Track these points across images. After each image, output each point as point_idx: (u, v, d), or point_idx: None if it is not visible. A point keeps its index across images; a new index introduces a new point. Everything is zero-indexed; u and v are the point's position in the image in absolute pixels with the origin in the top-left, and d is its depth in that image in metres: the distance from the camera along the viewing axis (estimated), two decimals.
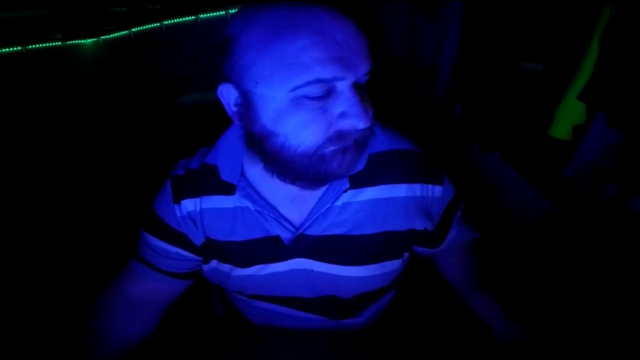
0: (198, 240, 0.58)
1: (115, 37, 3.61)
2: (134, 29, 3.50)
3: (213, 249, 0.57)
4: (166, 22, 3.34)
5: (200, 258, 0.60)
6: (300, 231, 0.53)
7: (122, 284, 0.61)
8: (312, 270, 0.55)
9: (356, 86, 0.43)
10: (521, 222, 1.05)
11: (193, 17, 3.26)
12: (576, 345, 0.63)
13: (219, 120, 0.56)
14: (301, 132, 0.42)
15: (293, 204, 0.54)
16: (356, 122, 0.42)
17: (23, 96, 3.57)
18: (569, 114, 0.92)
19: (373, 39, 0.45)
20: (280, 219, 0.53)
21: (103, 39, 3.64)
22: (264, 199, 0.54)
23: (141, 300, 0.60)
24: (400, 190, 0.55)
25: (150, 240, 0.59)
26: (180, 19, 3.30)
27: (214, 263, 0.58)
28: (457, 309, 0.65)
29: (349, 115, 0.42)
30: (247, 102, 0.44)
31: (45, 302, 1.11)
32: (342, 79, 0.41)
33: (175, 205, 0.57)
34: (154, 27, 3.41)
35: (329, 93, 0.42)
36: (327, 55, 0.40)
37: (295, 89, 0.40)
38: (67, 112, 3.53)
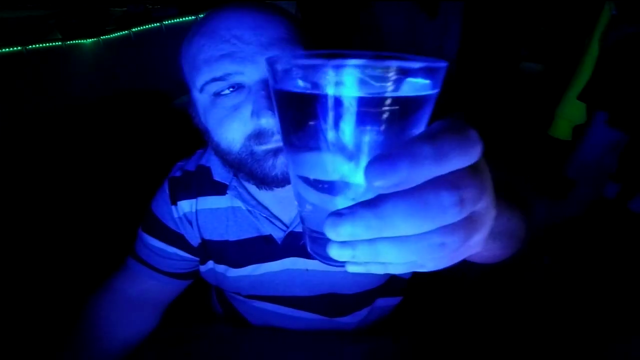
0: (194, 241, 0.58)
1: (115, 37, 3.61)
2: (134, 29, 3.50)
3: (208, 249, 0.58)
4: (166, 22, 3.34)
5: (197, 258, 0.60)
6: (290, 229, 0.53)
7: (121, 284, 0.61)
8: (306, 270, 0.55)
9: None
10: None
11: (193, 17, 3.26)
12: (576, 344, 0.63)
13: None
14: (218, 129, 0.45)
15: (282, 204, 0.54)
16: (256, 119, 0.41)
17: (23, 96, 3.57)
18: (569, 114, 0.92)
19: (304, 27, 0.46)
20: (272, 218, 0.54)
21: (103, 39, 3.64)
22: (255, 199, 0.54)
23: (139, 300, 0.61)
24: None
25: (148, 241, 0.59)
26: (180, 19, 3.29)
27: (210, 264, 0.59)
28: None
29: (253, 111, 0.42)
30: (192, 104, 0.49)
31: (43, 301, 1.11)
32: (241, 73, 0.41)
33: (173, 206, 0.58)
34: (154, 27, 3.41)
35: (238, 90, 0.43)
36: (213, 54, 0.42)
37: (202, 89, 0.44)
38: (66, 112, 3.53)
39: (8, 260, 1.40)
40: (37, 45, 3.54)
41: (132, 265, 0.61)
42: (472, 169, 0.18)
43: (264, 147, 0.43)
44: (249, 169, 0.45)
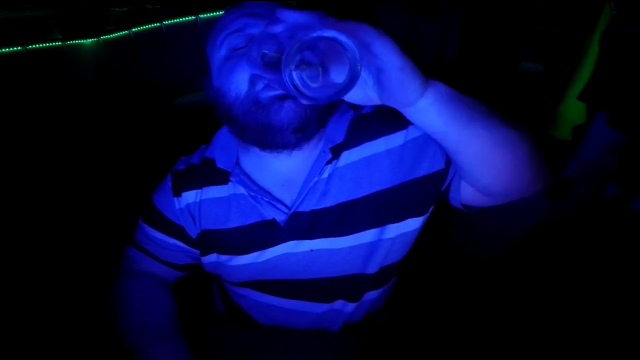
0: (193, 232, 0.60)
1: (115, 37, 3.61)
2: (134, 29, 3.50)
3: (210, 240, 0.59)
4: (166, 22, 3.34)
5: (197, 251, 0.61)
6: (292, 210, 0.54)
7: (126, 268, 0.63)
8: (311, 250, 0.55)
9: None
10: (521, 222, 1.05)
11: (193, 17, 3.26)
12: (576, 345, 0.63)
13: (218, 120, 0.57)
14: (228, 78, 0.48)
15: (284, 187, 0.56)
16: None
17: (23, 96, 3.57)
18: (569, 114, 0.92)
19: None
20: (274, 201, 0.55)
21: (103, 39, 3.65)
22: (257, 185, 0.56)
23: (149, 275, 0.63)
24: (378, 145, 0.54)
25: (148, 232, 0.61)
26: (180, 19, 3.29)
27: (213, 257, 0.59)
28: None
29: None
30: (208, 71, 0.54)
31: (43, 300, 1.11)
32: (257, 26, 0.47)
33: (175, 198, 0.59)
34: (154, 27, 3.40)
35: (250, 41, 0.47)
36: (239, 14, 0.50)
37: (222, 43, 0.50)
38: (67, 112, 3.53)
39: (9, 257, 1.40)
40: (37, 45, 3.55)
41: (132, 254, 0.62)
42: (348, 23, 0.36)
43: (270, 93, 0.46)
44: (253, 119, 0.48)
